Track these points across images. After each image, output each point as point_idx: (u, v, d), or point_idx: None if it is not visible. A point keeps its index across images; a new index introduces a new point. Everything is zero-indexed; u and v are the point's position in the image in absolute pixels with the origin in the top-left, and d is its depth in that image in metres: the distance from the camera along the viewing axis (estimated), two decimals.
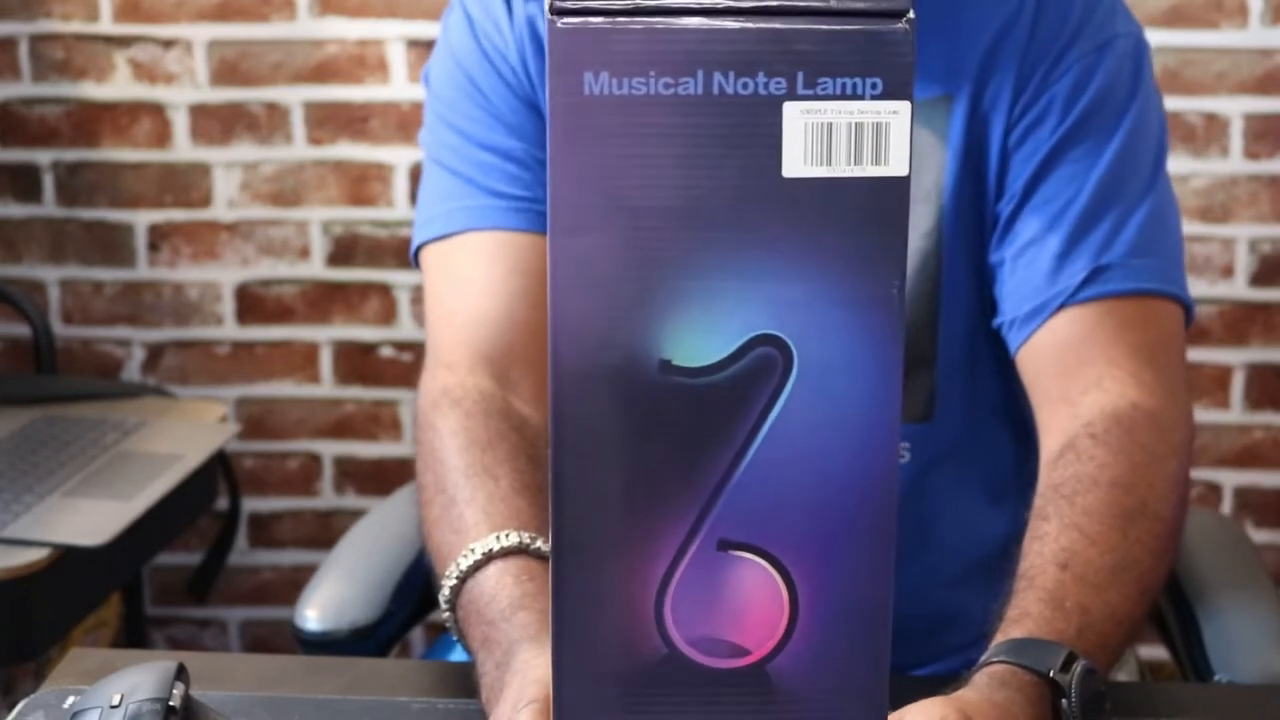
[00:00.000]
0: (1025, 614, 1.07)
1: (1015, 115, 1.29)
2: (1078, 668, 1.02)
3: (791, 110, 0.73)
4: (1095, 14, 1.31)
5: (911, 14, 0.73)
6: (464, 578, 1.13)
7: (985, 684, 1.00)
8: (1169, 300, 1.28)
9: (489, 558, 1.13)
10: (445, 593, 1.14)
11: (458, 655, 1.45)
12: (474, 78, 1.35)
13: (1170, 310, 1.28)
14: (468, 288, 1.33)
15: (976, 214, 1.31)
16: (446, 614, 1.15)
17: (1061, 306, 1.27)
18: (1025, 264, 1.28)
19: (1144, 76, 1.32)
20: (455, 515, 1.18)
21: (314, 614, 1.45)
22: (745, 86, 0.73)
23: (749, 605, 0.78)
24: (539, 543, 1.13)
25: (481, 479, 1.20)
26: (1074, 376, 1.25)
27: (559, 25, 0.73)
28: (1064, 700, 1.01)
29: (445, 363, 1.31)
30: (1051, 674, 1.01)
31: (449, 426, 1.25)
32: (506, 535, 1.14)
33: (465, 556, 1.13)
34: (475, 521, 1.16)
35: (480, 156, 1.34)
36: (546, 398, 1.26)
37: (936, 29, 1.29)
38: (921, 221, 1.30)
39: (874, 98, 0.73)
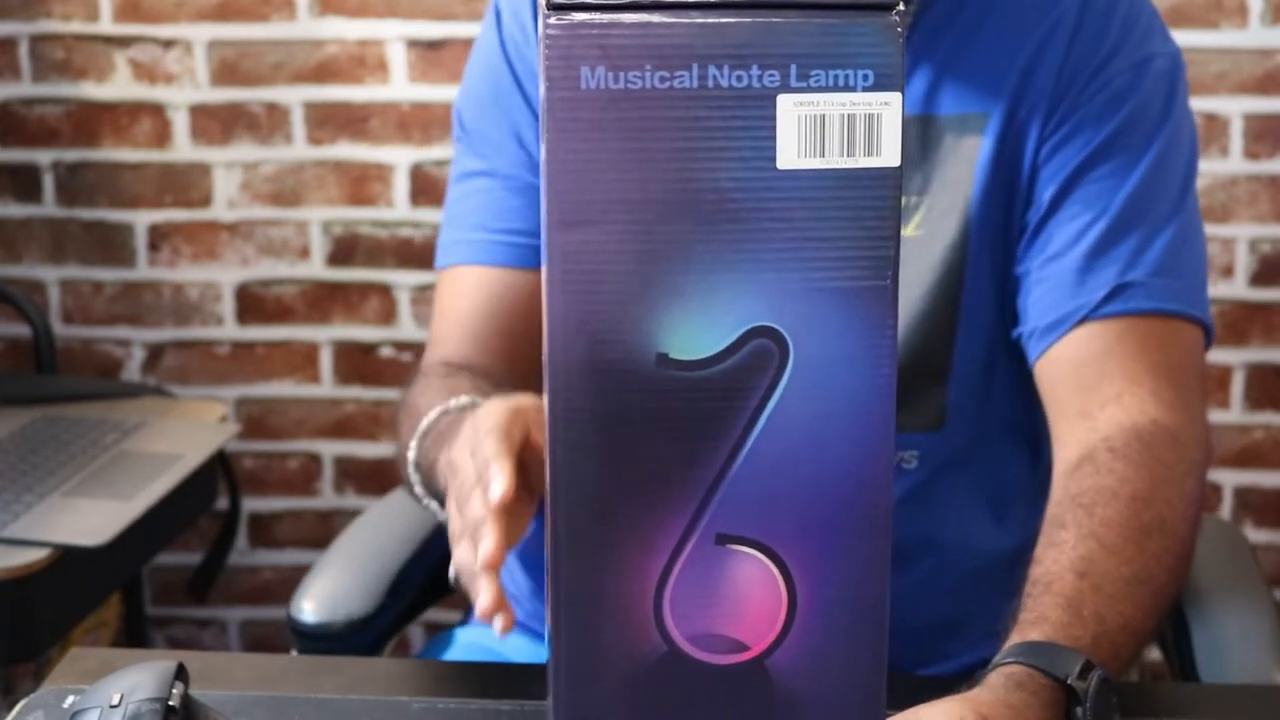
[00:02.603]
0: (1043, 618, 1.07)
1: (1049, 130, 1.29)
2: (1095, 677, 1.01)
3: (785, 103, 0.74)
4: (1134, 32, 1.31)
5: (901, 6, 0.73)
6: (425, 433, 1.23)
7: (1001, 685, 1.00)
8: (1190, 322, 1.29)
9: (445, 413, 1.23)
10: (411, 454, 1.24)
11: (454, 655, 1.45)
12: (498, 95, 1.39)
13: (1191, 332, 1.29)
14: (448, 319, 1.41)
15: (1003, 227, 1.31)
16: (414, 476, 1.24)
17: (1083, 320, 1.27)
18: (1049, 276, 1.29)
19: (1178, 97, 1.32)
20: (417, 415, 1.27)
21: (310, 606, 1.46)
22: (739, 79, 0.74)
23: (747, 599, 0.78)
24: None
25: (444, 392, 1.28)
26: (1093, 391, 1.25)
27: (555, 21, 0.73)
28: (1079, 709, 1.01)
29: (423, 370, 1.39)
30: (1069, 680, 1.01)
31: (419, 387, 1.34)
32: (459, 399, 1.24)
33: (426, 419, 1.24)
34: (435, 405, 1.26)
35: (482, 184, 1.39)
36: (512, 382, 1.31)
37: (977, 46, 1.30)
38: (948, 233, 1.30)
39: (865, 89, 0.74)
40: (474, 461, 1.05)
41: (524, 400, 1.08)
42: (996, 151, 1.30)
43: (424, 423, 1.24)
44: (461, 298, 1.39)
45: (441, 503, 1.23)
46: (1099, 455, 1.20)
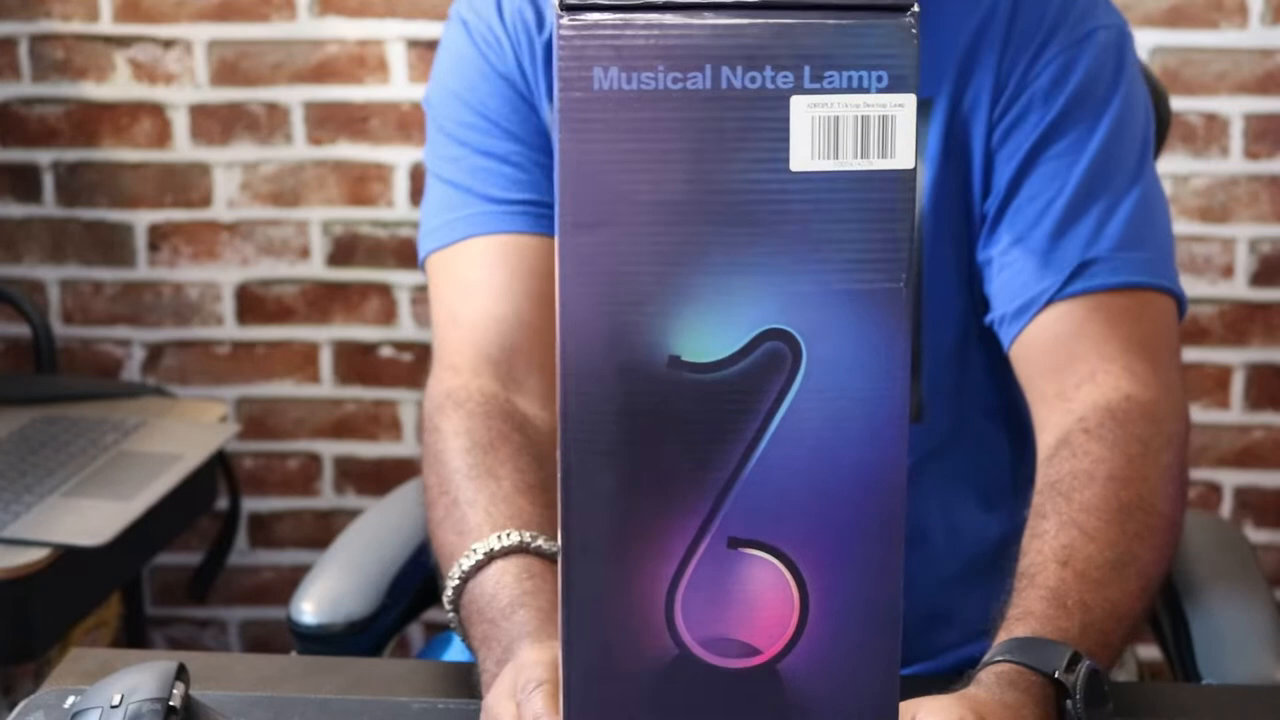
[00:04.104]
0: (1028, 612, 1.07)
1: (997, 114, 1.29)
2: (1082, 668, 1.02)
3: (799, 104, 0.74)
4: (1074, 7, 1.30)
5: (916, 7, 0.73)
6: (466, 578, 1.14)
7: (995, 684, 1.00)
8: (1159, 293, 1.28)
9: (490, 557, 1.14)
10: (449, 593, 1.16)
11: (455, 654, 1.45)
12: (473, 84, 1.36)
13: (1161, 302, 1.28)
14: (472, 291, 1.33)
15: (961, 216, 1.31)
16: (450, 614, 1.16)
17: (1050, 302, 1.26)
18: (1012, 260, 1.28)
19: (1126, 68, 1.31)
20: (458, 517, 1.19)
21: (310, 607, 1.46)
22: (753, 81, 0.73)
23: (759, 604, 0.77)
24: (540, 541, 1.14)
25: (484, 480, 1.21)
26: (1066, 372, 1.24)
27: (569, 21, 0.73)
28: (1069, 701, 1.01)
29: (450, 365, 1.31)
30: (1057, 674, 1.01)
31: (452, 428, 1.26)
32: (508, 534, 1.15)
33: (467, 557, 1.15)
34: (477, 522, 1.18)
35: (478, 163, 1.35)
36: (552, 397, 1.27)
37: None
38: None
39: (880, 91, 0.74)
40: None
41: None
42: (945, 138, 1.29)
43: (464, 562, 1.15)
44: (489, 268, 1.32)
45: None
46: (1074, 438, 1.20)
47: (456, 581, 1.15)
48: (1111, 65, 1.30)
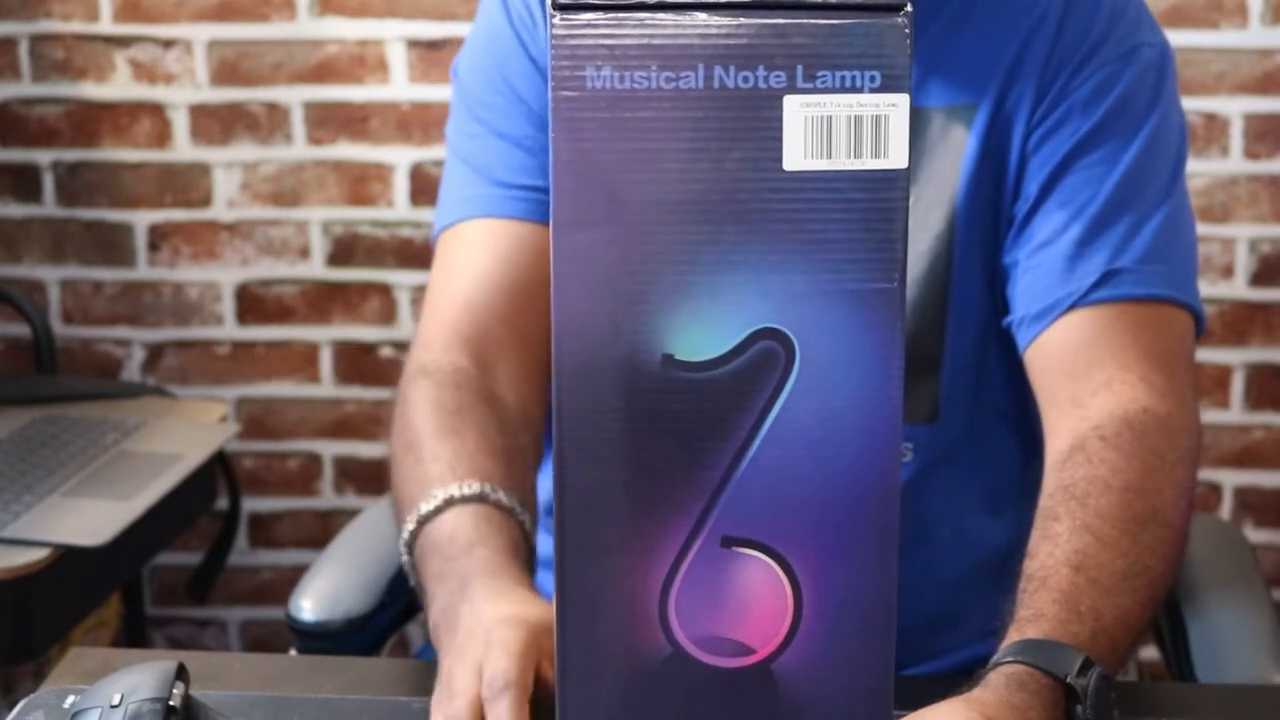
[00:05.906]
0: (1040, 614, 1.07)
1: (1036, 119, 1.30)
2: (1094, 674, 1.02)
3: (791, 103, 0.74)
4: (1121, 22, 1.32)
5: (909, 8, 0.73)
6: (424, 520, 1.17)
7: (1003, 685, 1.00)
8: (1180, 308, 1.29)
9: (449, 502, 1.17)
10: (405, 536, 1.18)
11: None
12: (503, 60, 1.37)
13: (1180, 318, 1.29)
14: (455, 275, 1.35)
15: (991, 217, 1.32)
16: (405, 558, 1.18)
17: (1072, 307, 1.27)
18: (1038, 263, 1.29)
19: (1166, 87, 1.33)
20: (421, 471, 1.21)
21: (309, 604, 1.46)
22: (746, 80, 0.74)
23: (753, 603, 0.78)
24: (500, 494, 1.17)
25: (449, 439, 1.23)
26: (1083, 378, 1.25)
27: (562, 21, 0.74)
28: (1079, 706, 1.01)
29: (423, 344, 1.34)
30: (1069, 679, 1.01)
31: (421, 396, 1.28)
32: (469, 484, 1.17)
33: (427, 501, 1.17)
34: (439, 474, 1.20)
35: (493, 144, 1.36)
36: (521, 380, 1.29)
37: (964, 37, 1.30)
38: (935, 224, 1.30)
39: (873, 91, 0.74)
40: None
41: (534, 613, 1.03)
42: (984, 142, 1.30)
43: (424, 506, 1.18)
44: (471, 253, 1.34)
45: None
46: (1090, 445, 1.20)
47: (414, 525, 1.17)
48: (1152, 83, 1.32)
